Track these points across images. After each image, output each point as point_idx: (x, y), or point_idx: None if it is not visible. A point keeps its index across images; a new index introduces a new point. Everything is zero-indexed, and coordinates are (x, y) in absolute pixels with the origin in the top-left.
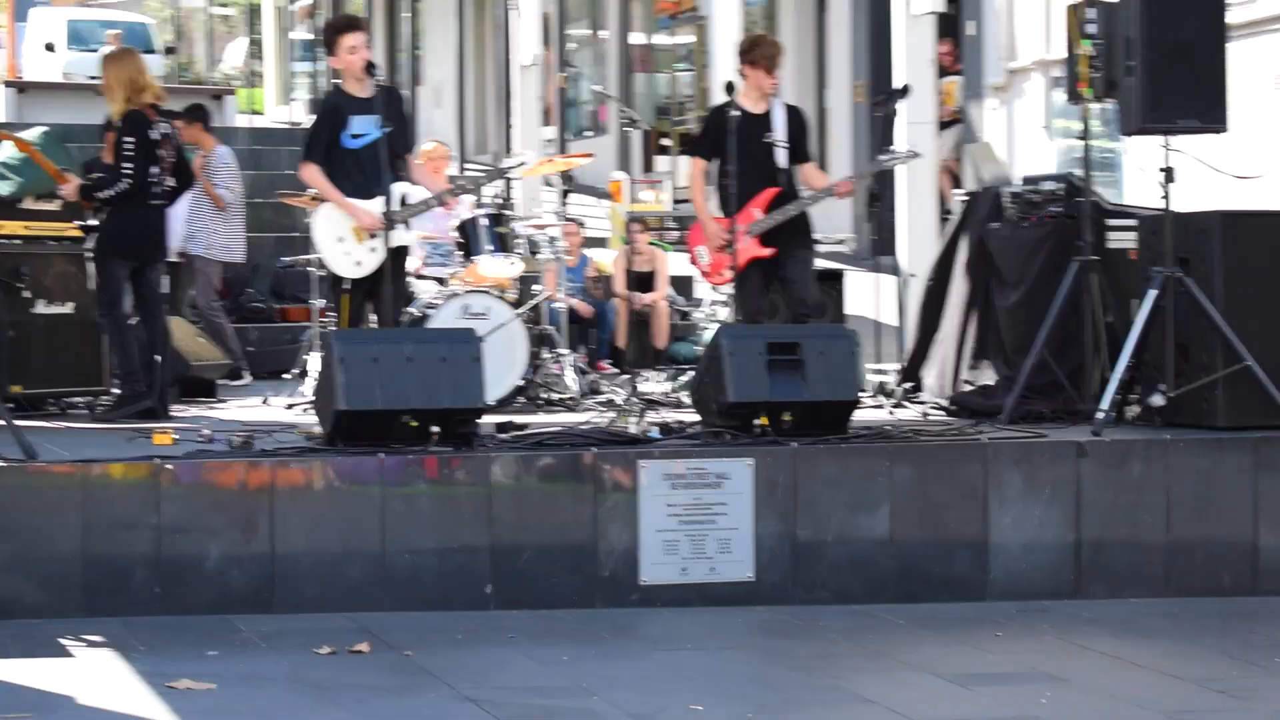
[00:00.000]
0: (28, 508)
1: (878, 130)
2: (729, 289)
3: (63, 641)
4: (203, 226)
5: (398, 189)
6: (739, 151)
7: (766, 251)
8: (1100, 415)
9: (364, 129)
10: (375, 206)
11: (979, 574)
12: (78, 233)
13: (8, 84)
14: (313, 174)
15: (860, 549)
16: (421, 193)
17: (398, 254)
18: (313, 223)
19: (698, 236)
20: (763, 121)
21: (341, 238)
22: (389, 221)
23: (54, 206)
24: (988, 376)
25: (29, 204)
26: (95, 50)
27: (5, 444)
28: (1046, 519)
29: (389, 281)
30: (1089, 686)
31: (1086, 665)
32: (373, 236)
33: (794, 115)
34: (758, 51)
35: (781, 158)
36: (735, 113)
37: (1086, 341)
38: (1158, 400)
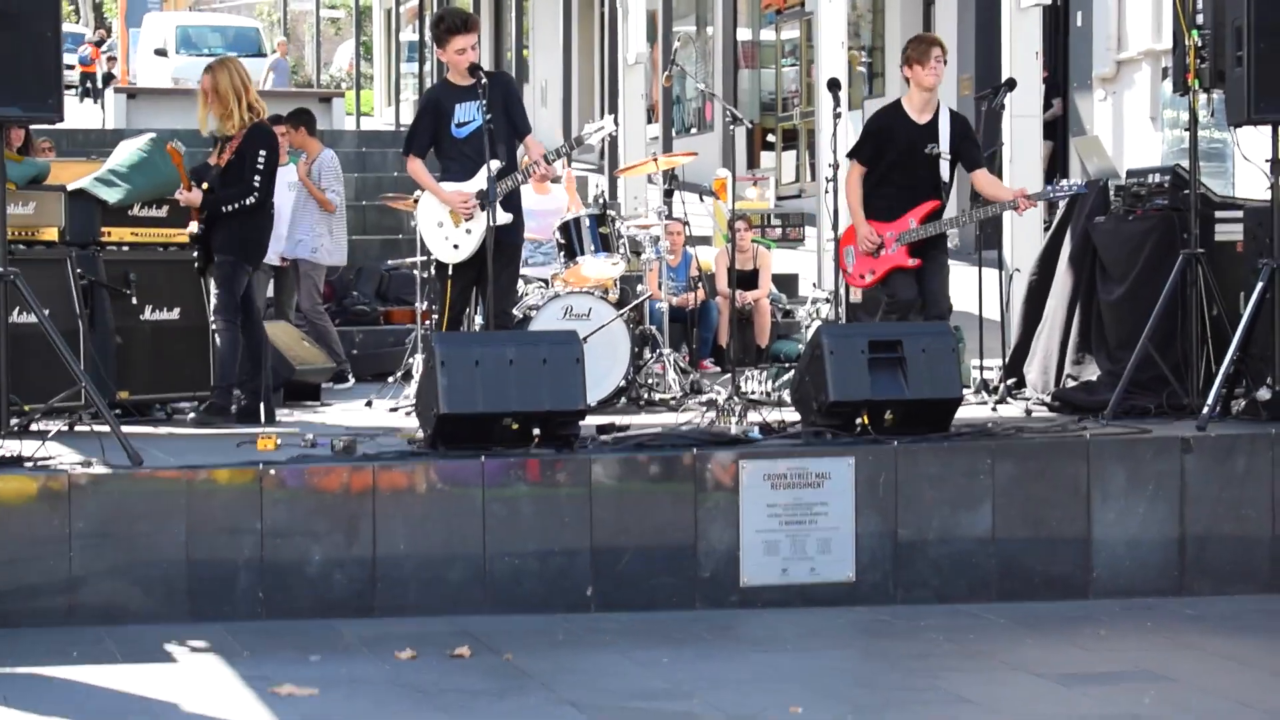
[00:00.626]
0: (133, 514)
1: (984, 123)
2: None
3: (168, 647)
4: (309, 231)
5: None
6: (900, 160)
7: (912, 262)
8: (1206, 410)
9: (468, 116)
10: (471, 188)
11: (1082, 572)
12: (185, 239)
13: (118, 90)
14: (412, 165)
15: (962, 548)
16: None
17: (505, 240)
18: (418, 213)
19: (850, 238)
20: (926, 132)
21: (440, 222)
22: (481, 200)
23: (161, 213)
24: (1091, 372)
25: (136, 210)
26: (205, 54)
27: (112, 450)
28: (1150, 515)
29: (491, 275)
30: (1194, 685)
31: (1191, 663)
32: (469, 219)
33: (958, 123)
34: (911, 49)
35: (944, 171)
36: (898, 118)
37: (1192, 335)
38: (1264, 394)
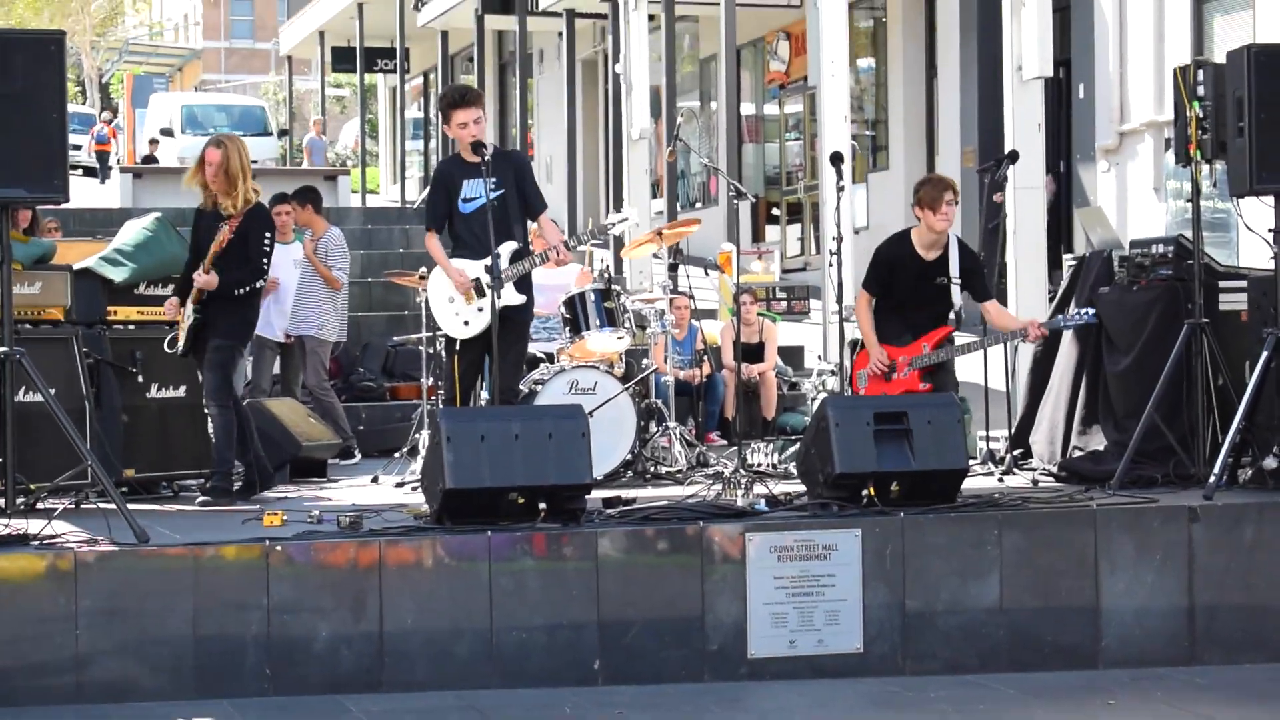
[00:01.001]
0: (140, 591)
1: (987, 195)
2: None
3: None
4: (314, 308)
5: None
6: (910, 290)
7: (924, 386)
8: (1212, 479)
9: (474, 193)
10: (480, 268)
11: (1091, 642)
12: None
13: (123, 170)
14: (428, 242)
15: (970, 618)
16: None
17: (515, 318)
18: (429, 287)
19: (862, 361)
20: (935, 266)
21: (451, 298)
22: (495, 280)
23: (167, 292)
24: (1098, 442)
25: (142, 289)
26: (210, 134)
27: (118, 528)
28: (1159, 585)
29: (497, 352)
30: None
31: None
32: (480, 296)
33: (967, 258)
34: (923, 191)
35: (956, 297)
36: (908, 252)
37: (1198, 405)
38: (1270, 463)
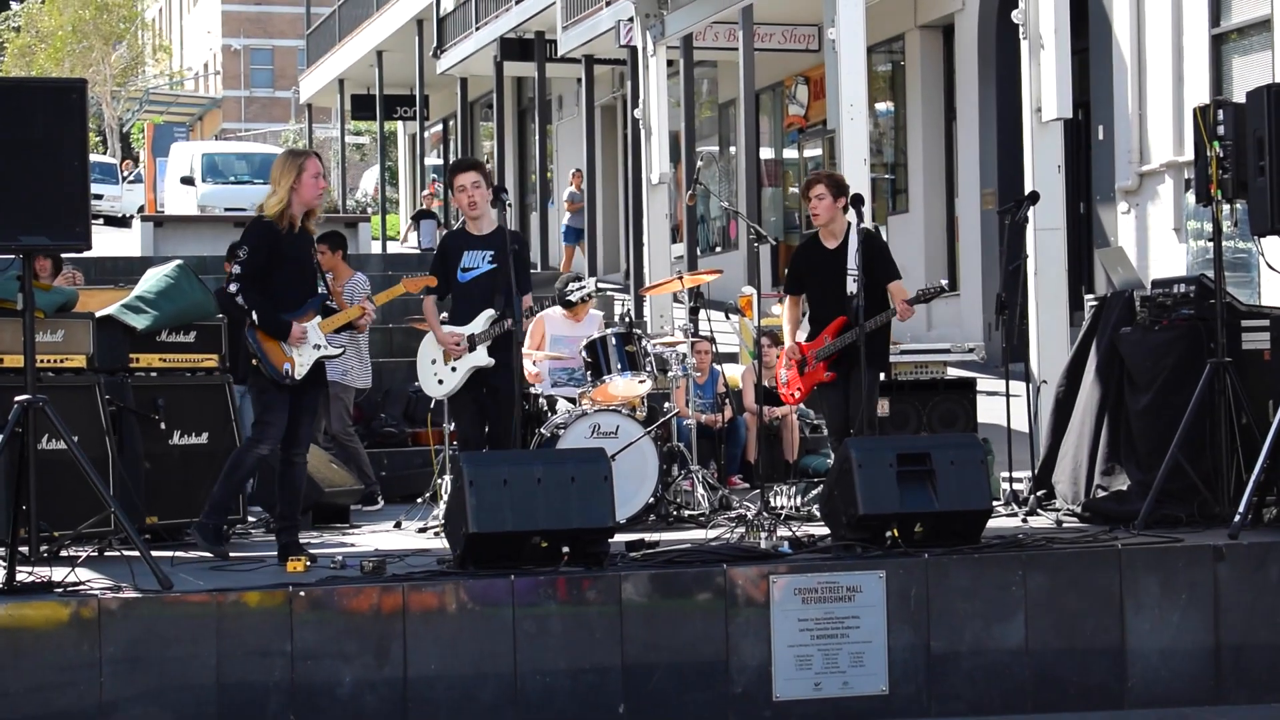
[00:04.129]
0: (164, 638)
1: (1008, 237)
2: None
3: None
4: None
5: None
6: (822, 285)
7: (826, 375)
8: (1237, 518)
9: (472, 263)
10: (465, 331)
11: (1117, 682)
12: (212, 363)
13: (144, 218)
14: (425, 304)
15: (995, 659)
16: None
17: (491, 385)
18: (420, 348)
19: (780, 361)
20: (840, 255)
21: (433, 360)
22: (470, 344)
23: (189, 338)
24: (1121, 482)
25: (164, 336)
26: (231, 182)
27: (141, 574)
28: (1184, 624)
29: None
30: None
31: None
32: (457, 359)
33: (869, 241)
34: (804, 187)
35: (851, 286)
36: (814, 247)
37: (1221, 444)
38: None
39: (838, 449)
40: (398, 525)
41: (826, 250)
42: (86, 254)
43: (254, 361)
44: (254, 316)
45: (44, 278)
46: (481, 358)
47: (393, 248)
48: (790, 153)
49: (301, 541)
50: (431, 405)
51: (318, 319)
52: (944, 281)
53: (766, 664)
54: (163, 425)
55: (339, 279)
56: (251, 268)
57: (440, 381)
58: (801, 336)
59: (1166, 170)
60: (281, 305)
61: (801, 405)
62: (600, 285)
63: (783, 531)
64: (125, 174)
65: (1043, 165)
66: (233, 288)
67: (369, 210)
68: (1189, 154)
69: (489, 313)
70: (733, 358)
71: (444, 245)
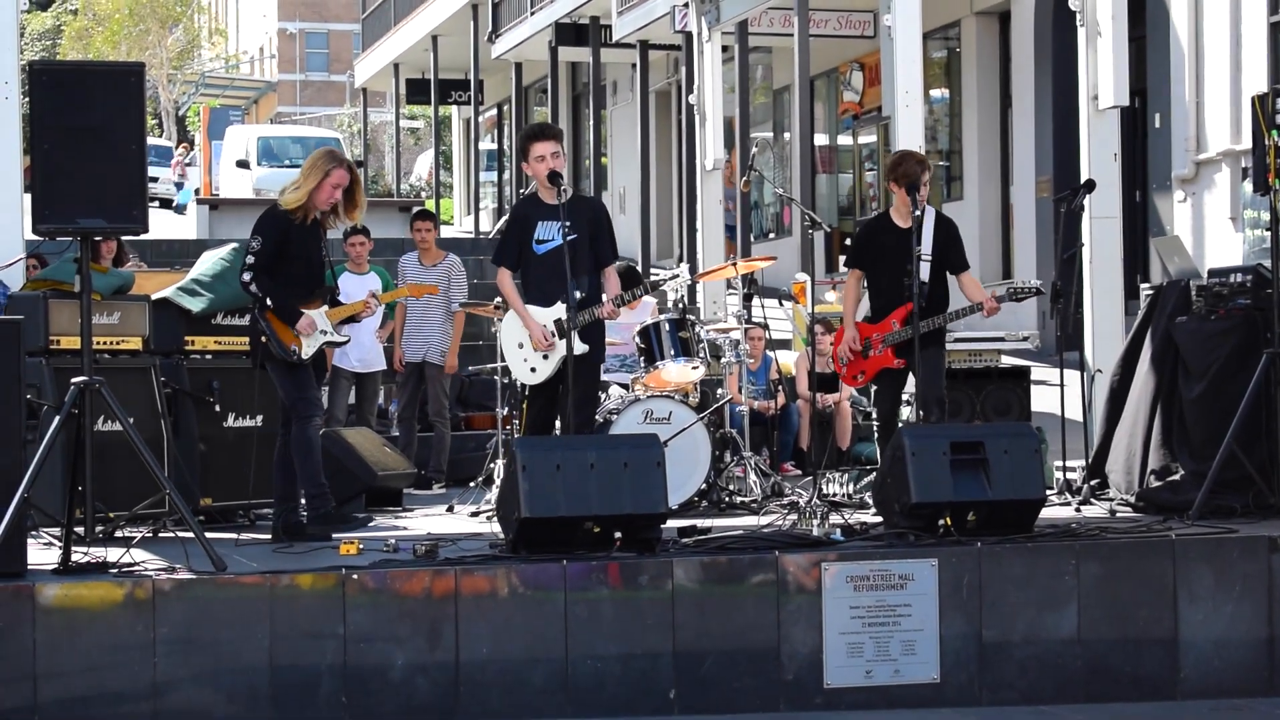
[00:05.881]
0: (217, 619)
1: (1064, 225)
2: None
3: None
4: (437, 333)
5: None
6: (887, 264)
7: (895, 362)
8: None
9: (548, 235)
10: (550, 315)
11: (1170, 673)
12: None
13: (200, 201)
14: (500, 279)
15: (1048, 649)
16: None
17: (588, 359)
18: (501, 327)
19: (840, 337)
20: (909, 236)
21: (521, 344)
22: (559, 330)
23: (244, 322)
24: (1175, 472)
25: (220, 319)
26: (286, 165)
27: (196, 556)
28: (1238, 615)
29: (570, 389)
30: None
31: None
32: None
33: (943, 227)
34: (899, 170)
35: (925, 272)
36: (884, 226)
37: (1277, 435)
38: None
39: (885, 438)
40: (450, 509)
41: (899, 229)
42: (143, 236)
43: (263, 339)
44: (269, 302)
45: (106, 260)
46: (577, 346)
47: (446, 231)
48: (845, 139)
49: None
50: (526, 391)
51: (324, 308)
52: (1038, 282)
53: (818, 651)
54: (217, 408)
55: (429, 259)
56: (263, 257)
57: (533, 370)
58: (858, 315)
59: (1223, 159)
60: (290, 293)
61: (855, 392)
62: (652, 272)
63: (835, 519)
64: (183, 157)
65: (1099, 153)
66: (246, 276)
67: (423, 195)
68: (1246, 142)
69: (576, 296)
70: (786, 345)
71: (519, 214)
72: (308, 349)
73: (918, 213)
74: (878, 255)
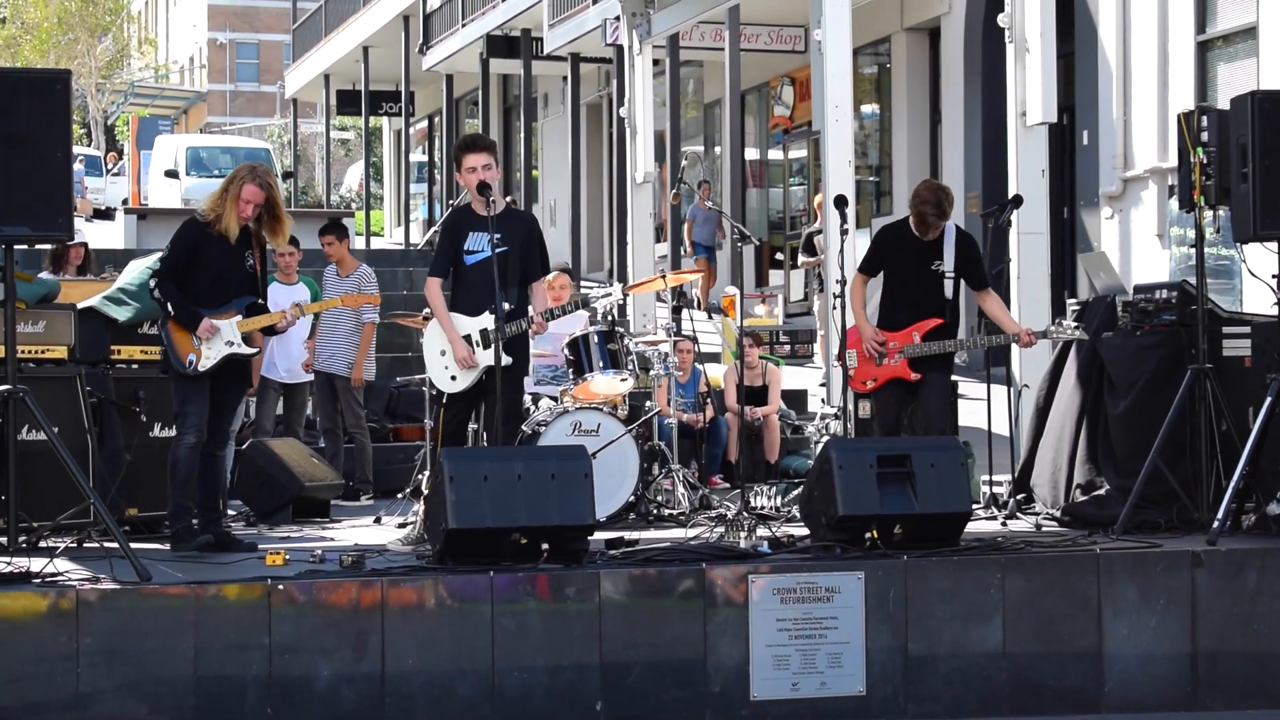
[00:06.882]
0: (142, 630)
1: (991, 240)
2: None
3: None
4: (346, 345)
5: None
6: (906, 274)
7: (912, 375)
8: (1216, 525)
9: (478, 246)
10: (475, 325)
11: (1094, 686)
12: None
13: (128, 211)
14: (429, 287)
15: (973, 662)
16: None
17: (511, 371)
18: (425, 335)
19: (853, 340)
20: (932, 249)
21: (444, 350)
22: (484, 340)
23: None
24: (1099, 486)
25: (146, 329)
26: (215, 175)
27: (120, 566)
28: (1162, 629)
29: (497, 400)
30: None
31: None
32: (470, 366)
33: (965, 244)
34: (915, 200)
35: (949, 289)
36: (905, 235)
37: (1201, 450)
38: (1274, 509)
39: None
40: (378, 520)
41: (919, 240)
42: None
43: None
44: (169, 309)
45: (72, 268)
46: (500, 357)
47: (376, 243)
48: (775, 154)
49: (281, 535)
50: (444, 398)
51: (237, 318)
52: (1080, 329)
53: (744, 663)
54: (143, 417)
55: (345, 269)
56: (170, 264)
57: (454, 378)
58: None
59: (1150, 176)
60: (200, 303)
61: (783, 405)
62: (583, 285)
63: (762, 531)
64: (110, 166)
65: (1027, 169)
66: (152, 282)
67: (353, 206)
68: (1173, 160)
69: (504, 307)
70: (715, 358)
71: (450, 223)
72: (207, 360)
73: (926, 239)
74: (893, 262)
